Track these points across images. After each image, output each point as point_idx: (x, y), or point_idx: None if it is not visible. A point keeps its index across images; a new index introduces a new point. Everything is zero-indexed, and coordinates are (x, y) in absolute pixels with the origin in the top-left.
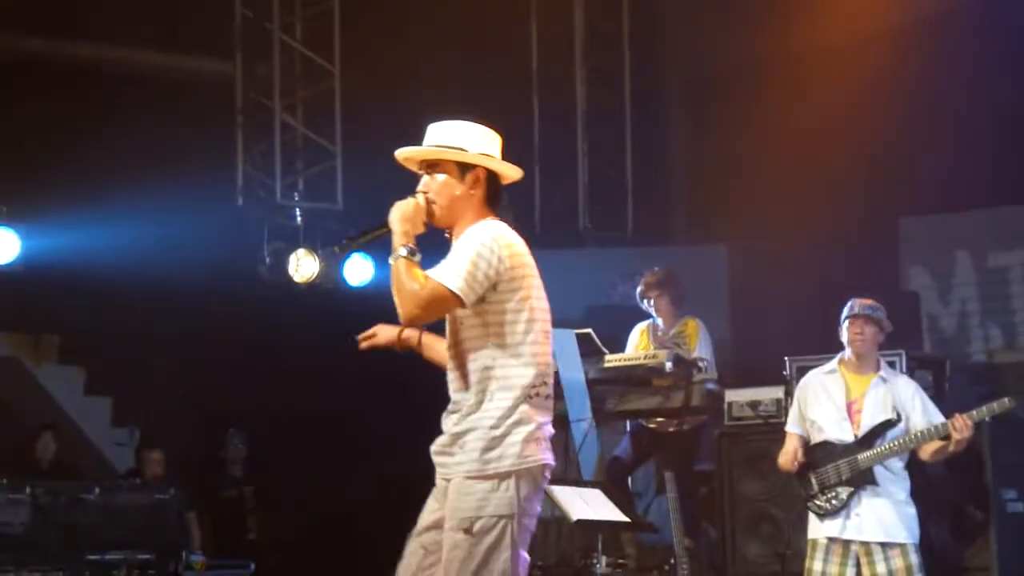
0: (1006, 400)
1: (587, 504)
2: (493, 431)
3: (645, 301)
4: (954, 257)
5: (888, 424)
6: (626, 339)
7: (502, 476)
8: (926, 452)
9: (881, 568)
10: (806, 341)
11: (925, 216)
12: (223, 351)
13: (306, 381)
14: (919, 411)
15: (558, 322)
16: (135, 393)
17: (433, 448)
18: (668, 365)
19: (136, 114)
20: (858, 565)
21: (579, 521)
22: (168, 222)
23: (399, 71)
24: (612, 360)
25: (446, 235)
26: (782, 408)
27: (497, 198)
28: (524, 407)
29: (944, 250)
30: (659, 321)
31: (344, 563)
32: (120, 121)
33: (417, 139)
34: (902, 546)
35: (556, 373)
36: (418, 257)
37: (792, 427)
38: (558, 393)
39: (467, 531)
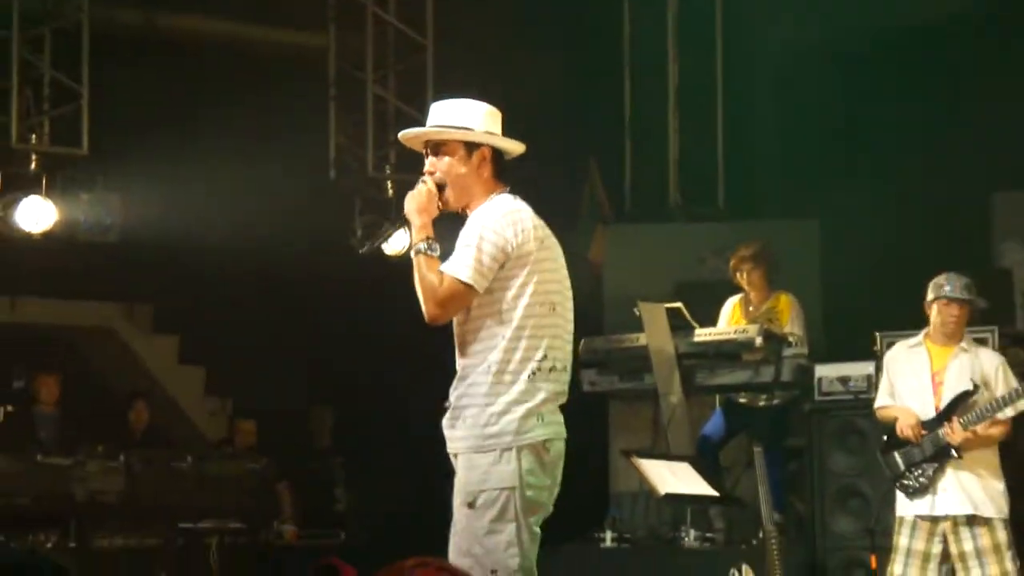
0: None
1: (676, 478)
2: (490, 407)
3: (737, 274)
4: None
5: (966, 394)
6: (716, 314)
7: (503, 449)
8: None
9: (968, 546)
10: (896, 317)
11: (1019, 191)
12: (315, 323)
13: (396, 354)
14: (1001, 381)
15: (648, 296)
16: (228, 363)
17: (443, 421)
18: (758, 340)
19: (230, 86)
20: (945, 542)
21: (667, 495)
22: (262, 194)
23: (491, 45)
24: (702, 334)
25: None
26: (872, 384)
27: (503, 174)
28: (524, 382)
29: None
30: (751, 295)
31: (434, 535)
32: (214, 93)
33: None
34: (988, 521)
35: (644, 348)
36: (437, 249)
37: (884, 400)
38: (648, 367)
39: (471, 505)
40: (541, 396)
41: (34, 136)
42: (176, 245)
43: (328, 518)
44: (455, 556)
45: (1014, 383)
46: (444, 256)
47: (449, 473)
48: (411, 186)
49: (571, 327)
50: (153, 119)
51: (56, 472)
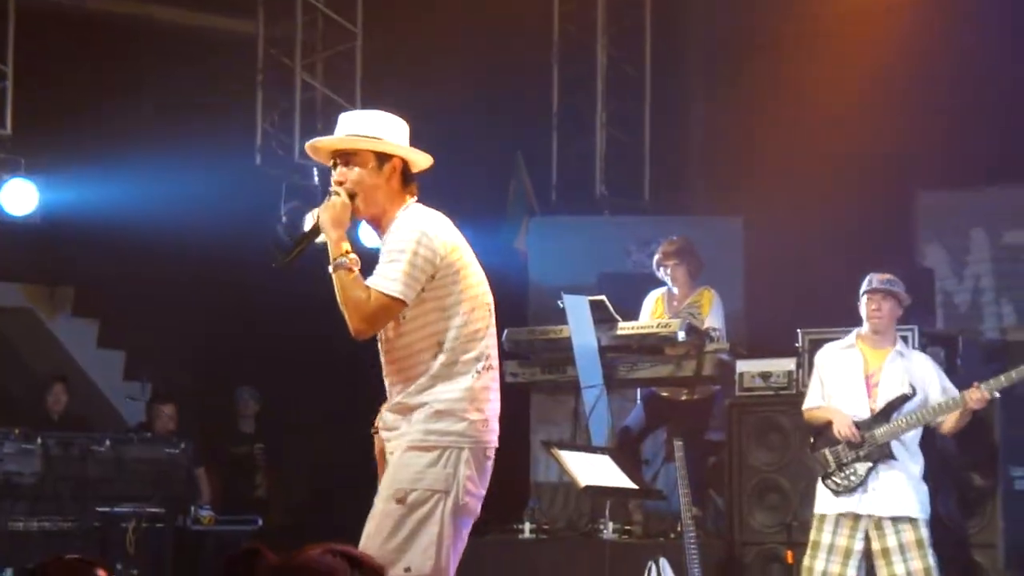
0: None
1: (596, 470)
2: (437, 404)
3: (662, 269)
4: (970, 234)
5: (904, 398)
6: (639, 307)
7: (445, 448)
8: (946, 426)
9: (892, 541)
10: (819, 314)
11: (942, 192)
12: (237, 308)
13: (319, 340)
14: (936, 386)
15: (572, 288)
16: (148, 347)
17: (380, 424)
18: (681, 334)
19: (157, 70)
20: (867, 539)
21: (587, 487)
22: (186, 178)
23: (420, 33)
24: (625, 328)
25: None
26: (793, 380)
27: (410, 186)
28: (471, 384)
29: (960, 227)
30: (675, 290)
31: (351, 523)
32: (140, 76)
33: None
34: (912, 520)
35: (567, 339)
36: (357, 264)
37: (816, 401)
38: (570, 359)
39: (400, 501)
40: (488, 398)
41: None
42: (98, 228)
43: (247, 504)
44: (366, 539)
45: (951, 390)
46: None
47: (369, 462)
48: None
49: (494, 324)
50: (79, 101)
51: None
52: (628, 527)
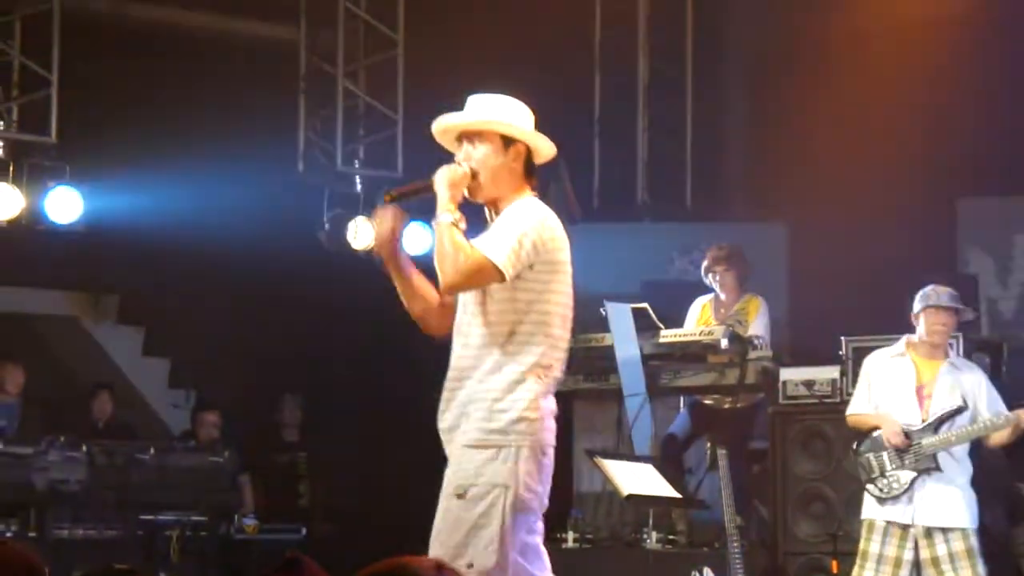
0: None
1: (639, 479)
2: (497, 403)
3: (710, 276)
4: (1014, 240)
5: (957, 411)
6: (682, 315)
7: (502, 447)
8: (994, 440)
9: (942, 551)
10: (863, 321)
11: (985, 198)
12: (281, 316)
13: (362, 349)
14: (985, 401)
15: (614, 295)
16: (193, 355)
17: (442, 417)
18: (724, 342)
19: (200, 78)
20: (916, 548)
21: (631, 496)
22: (230, 187)
23: (462, 41)
24: (667, 335)
25: (484, 207)
26: (837, 388)
27: (532, 175)
28: (534, 385)
29: (1004, 233)
30: (722, 296)
31: (396, 533)
32: (184, 84)
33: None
34: (963, 530)
35: (610, 348)
36: (463, 224)
37: (862, 407)
38: (613, 368)
39: (460, 496)
40: (546, 401)
41: (2, 123)
42: (142, 236)
43: (291, 513)
44: (434, 537)
45: (1000, 406)
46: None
47: (415, 469)
48: (378, 181)
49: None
50: (122, 109)
51: (17, 461)
52: (672, 536)
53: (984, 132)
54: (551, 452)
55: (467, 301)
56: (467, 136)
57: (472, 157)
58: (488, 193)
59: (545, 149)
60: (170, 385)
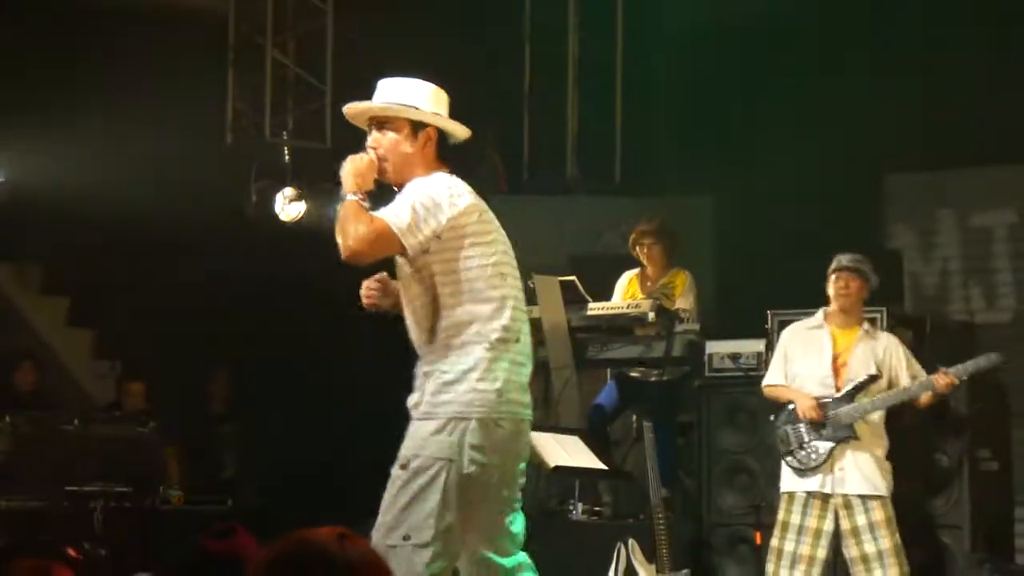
0: (993, 355)
1: (565, 451)
2: (445, 375)
3: (637, 248)
4: (938, 215)
5: (871, 379)
6: (609, 288)
7: (448, 419)
8: (921, 400)
9: (861, 520)
10: (788, 295)
11: (909, 174)
12: (208, 287)
13: (290, 321)
14: (903, 368)
15: (543, 268)
16: (118, 326)
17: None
18: (650, 315)
19: (127, 46)
20: (837, 518)
21: (557, 468)
22: (157, 156)
23: (391, 11)
24: (595, 308)
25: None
26: (762, 361)
27: (444, 157)
28: (485, 355)
29: (928, 208)
30: (649, 270)
31: (323, 506)
32: (110, 53)
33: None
34: (881, 498)
35: (537, 320)
36: (368, 204)
37: (777, 379)
38: (540, 340)
39: (403, 467)
40: (501, 369)
41: None
42: (66, 206)
43: (216, 485)
44: (383, 509)
45: (918, 372)
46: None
47: (343, 443)
48: (308, 153)
49: (523, 297)
50: (47, 77)
51: None
52: (597, 508)
53: (910, 106)
54: (514, 426)
55: (401, 281)
56: (376, 121)
57: (381, 144)
58: (398, 178)
59: (458, 132)
60: (95, 356)
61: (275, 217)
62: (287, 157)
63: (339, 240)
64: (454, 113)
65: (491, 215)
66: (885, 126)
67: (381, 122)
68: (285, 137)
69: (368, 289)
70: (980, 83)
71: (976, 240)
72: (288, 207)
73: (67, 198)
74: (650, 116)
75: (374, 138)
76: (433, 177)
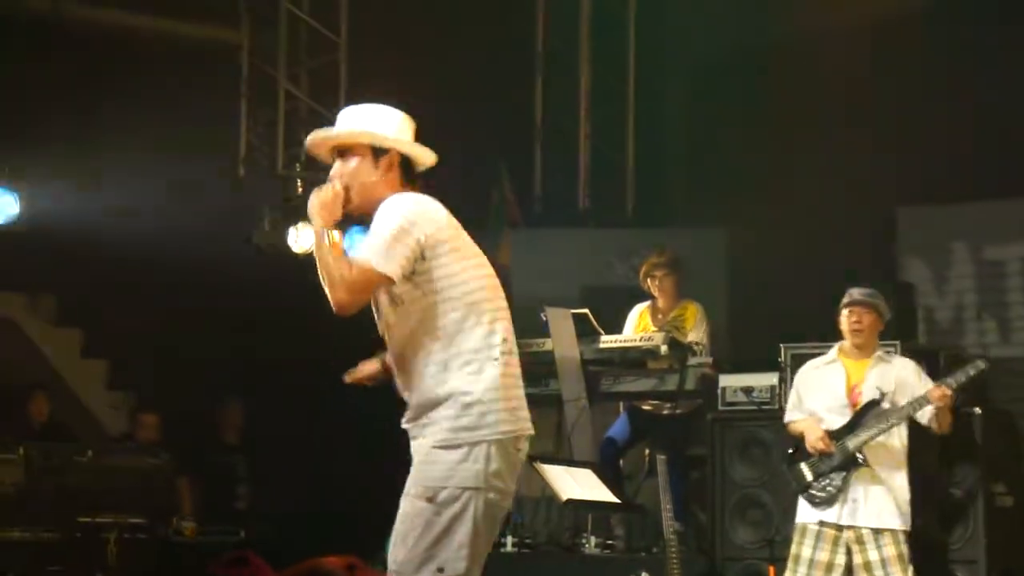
0: (979, 362)
1: (578, 484)
2: (464, 397)
3: (648, 280)
4: (951, 249)
5: (870, 405)
6: (622, 320)
7: (472, 445)
8: (938, 426)
9: (874, 555)
10: (802, 329)
11: (923, 207)
12: (221, 319)
13: (303, 353)
14: (921, 388)
15: (555, 300)
16: (132, 357)
17: (407, 420)
18: (663, 348)
19: (141, 80)
20: (848, 552)
21: (569, 501)
22: (170, 189)
23: (404, 44)
24: (608, 341)
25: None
26: (776, 395)
27: (413, 184)
28: (491, 371)
29: (942, 242)
30: (660, 302)
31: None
32: (124, 86)
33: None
34: (893, 533)
35: (550, 353)
36: (341, 241)
37: (794, 415)
38: (552, 373)
39: (430, 500)
40: (513, 384)
41: None
42: (81, 237)
43: (229, 515)
44: (397, 541)
45: (931, 386)
46: None
47: (355, 476)
48: (319, 184)
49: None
50: (62, 109)
51: None
52: (610, 541)
53: (924, 140)
54: (524, 445)
55: (386, 316)
56: (339, 151)
57: (344, 172)
58: (364, 207)
59: (423, 157)
60: (109, 387)
61: (288, 249)
62: (299, 190)
63: (327, 292)
64: (468, 144)
65: (457, 224)
66: (899, 159)
67: (343, 151)
68: (298, 169)
69: (370, 379)
70: (994, 116)
71: (990, 273)
72: (300, 239)
73: (81, 230)
74: (662, 148)
75: (337, 168)
76: (401, 197)
